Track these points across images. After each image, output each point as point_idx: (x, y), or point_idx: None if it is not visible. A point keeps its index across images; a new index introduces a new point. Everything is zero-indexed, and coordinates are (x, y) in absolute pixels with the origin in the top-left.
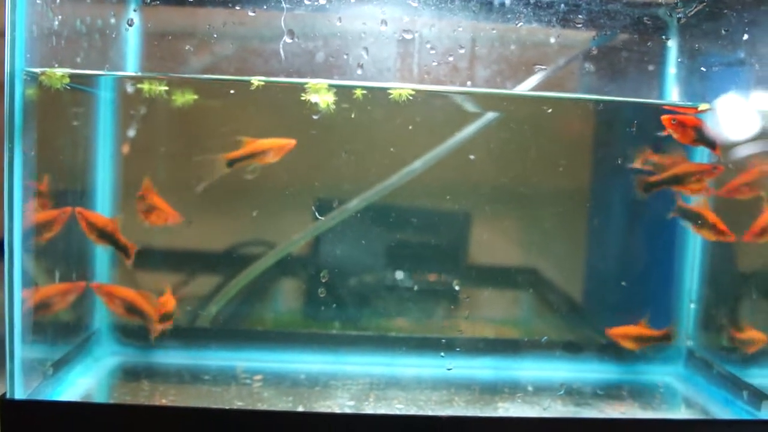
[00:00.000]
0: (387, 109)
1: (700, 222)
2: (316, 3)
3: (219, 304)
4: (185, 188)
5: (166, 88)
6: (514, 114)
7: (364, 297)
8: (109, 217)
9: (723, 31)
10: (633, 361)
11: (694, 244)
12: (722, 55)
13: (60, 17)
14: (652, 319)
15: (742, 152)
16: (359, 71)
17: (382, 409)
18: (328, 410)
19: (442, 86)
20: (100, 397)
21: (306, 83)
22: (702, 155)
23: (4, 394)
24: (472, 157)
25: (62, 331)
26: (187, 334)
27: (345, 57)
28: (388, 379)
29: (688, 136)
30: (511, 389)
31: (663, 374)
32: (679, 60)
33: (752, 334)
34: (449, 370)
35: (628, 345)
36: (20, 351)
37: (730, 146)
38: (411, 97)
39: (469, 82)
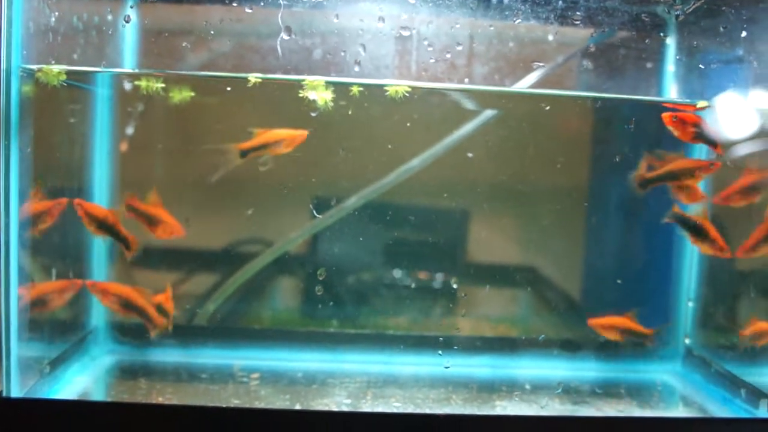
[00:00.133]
0: (385, 107)
1: (698, 234)
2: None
3: (216, 302)
4: (182, 185)
5: (163, 85)
6: (512, 111)
7: (361, 295)
8: (108, 209)
9: (721, 29)
10: (631, 360)
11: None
12: (720, 52)
13: (57, 14)
14: (651, 317)
15: (741, 150)
16: (356, 68)
17: (380, 408)
18: (326, 408)
19: (440, 83)
20: (97, 396)
21: (303, 80)
22: (700, 153)
23: (0, 392)
24: (470, 155)
25: (59, 329)
26: (184, 333)
27: (342, 54)
28: (385, 378)
29: (688, 134)
30: (509, 387)
31: (661, 372)
32: (678, 57)
33: (759, 326)
34: (447, 368)
35: (610, 335)
36: (16, 349)
37: (728, 144)
38: (407, 94)
39: (466, 79)
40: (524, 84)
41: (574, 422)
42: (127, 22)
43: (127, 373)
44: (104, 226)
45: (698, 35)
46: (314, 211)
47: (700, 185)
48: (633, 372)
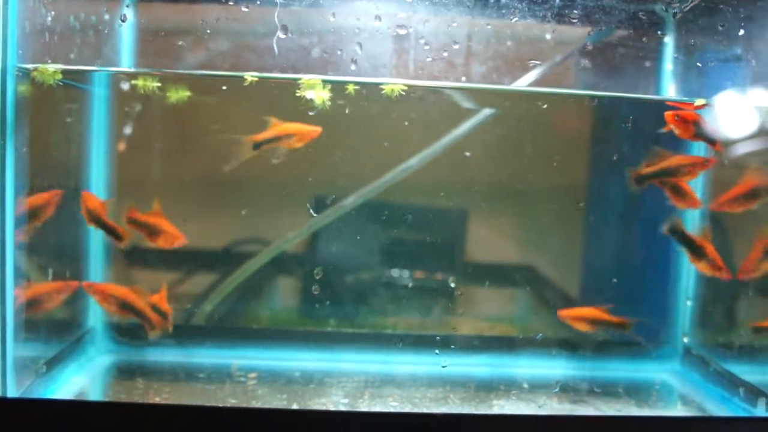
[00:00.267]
0: (382, 106)
1: (696, 252)
2: None
3: (214, 302)
4: (180, 185)
5: (159, 84)
6: (510, 110)
7: (359, 294)
8: (100, 199)
9: (719, 27)
10: (629, 359)
11: None
12: (719, 50)
13: (53, 13)
14: (649, 316)
15: (739, 148)
16: (353, 67)
17: (377, 407)
18: (323, 408)
19: (437, 82)
20: (93, 396)
21: (299, 79)
22: (698, 152)
23: None
24: (467, 153)
25: (56, 329)
26: (182, 332)
27: (339, 53)
28: (383, 377)
29: (689, 132)
30: (507, 387)
31: (659, 371)
32: (676, 56)
33: None
34: (444, 367)
35: (581, 327)
36: (12, 349)
37: (727, 142)
38: (403, 93)
39: (463, 78)
40: (522, 83)
41: (572, 421)
42: (124, 21)
43: (124, 372)
44: (94, 218)
45: (696, 33)
46: (311, 211)
47: (697, 190)
48: (631, 371)
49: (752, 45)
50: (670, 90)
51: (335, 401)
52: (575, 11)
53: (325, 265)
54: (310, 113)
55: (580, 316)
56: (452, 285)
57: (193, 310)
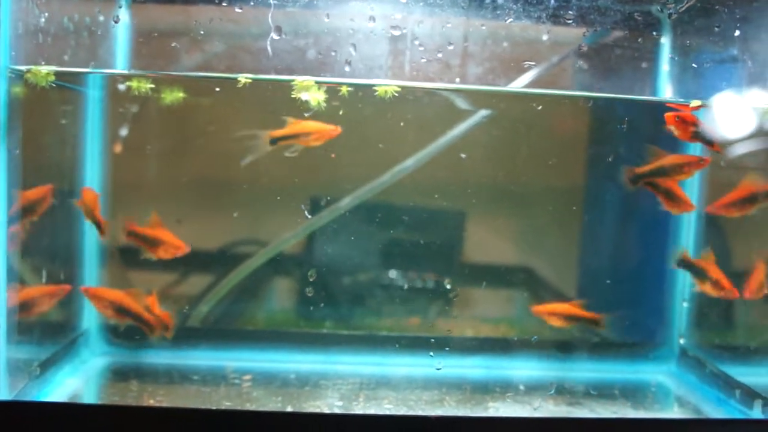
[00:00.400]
0: (378, 107)
1: (703, 277)
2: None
3: (210, 304)
4: (174, 186)
5: (152, 86)
6: (505, 112)
7: (355, 296)
8: (95, 192)
9: (715, 28)
10: (625, 360)
11: (687, 243)
12: (714, 51)
13: (46, 14)
14: (645, 317)
15: (736, 149)
16: (347, 68)
17: (372, 410)
18: (317, 410)
19: (432, 83)
20: (88, 398)
21: (293, 80)
22: (695, 151)
23: None
24: (463, 155)
25: (49, 331)
26: (177, 334)
27: (333, 54)
28: (378, 379)
29: (687, 133)
30: (503, 389)
31: (655, 373)
32: (672, 57)
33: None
34: (438, 369)
35: (555, 323)
36: (5, 351)
37: (724, 143)
38: (396, 94)
39: (457, 79)
40: (518, 84)
41: (567, 424)
42: (116, 22)
43: (118, 375)
44: (88, 211)
45: (692, 34)
46: (306, 213)
47: (693, 192)
48: (627, 373)
49: (748, 46)
50: (666, 91)
51: (330, 404)
52: (570, 12)
53: (321, 267)
54: (306, 114)
55: (553, 311)
56: (448, 286)
57: (188, 312)
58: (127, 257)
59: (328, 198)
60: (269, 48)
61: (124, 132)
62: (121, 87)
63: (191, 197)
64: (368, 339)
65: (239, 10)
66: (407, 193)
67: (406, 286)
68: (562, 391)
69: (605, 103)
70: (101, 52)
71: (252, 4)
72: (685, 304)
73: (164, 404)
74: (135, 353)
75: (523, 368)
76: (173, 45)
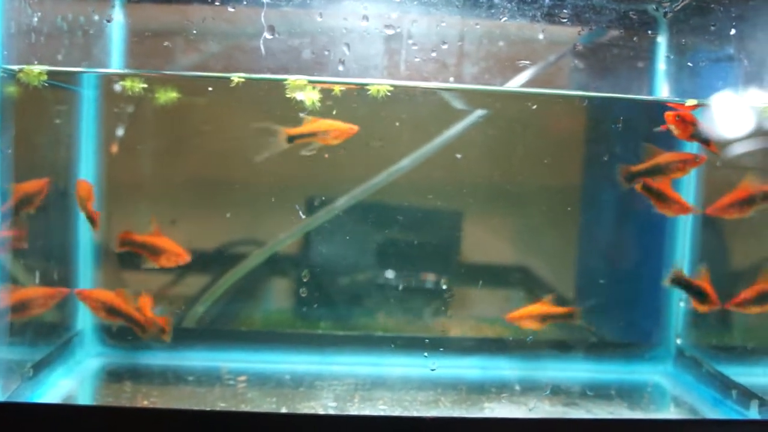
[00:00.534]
0: (372, 107)
1: (697, 294)
2: None
3: (204, 305)
4: (169, 186)
5: (145, 85)
6: (501, 111)
7: (350, 296)
8: (89, 185)
9: (711, 27)
10: (621, 360)
11: (683, 243)
12: (710, 50)
13: (39, 14)
14: (642, 317)
15: (733, 149)
16: (341, 68)
17: (367, 410)
18: (312, 411)
19: (427, 83)
20: (82, 399)
21: (285, 80)
22: (691, 150)
23: None
24: (458, 155)
25: (43, 332)
26: (172, 335)
27: (326, 53)
28: (373, 380)
29: (687, 132)
30: (498, 389)
31: (652, 373)
32: (668, 56)
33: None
34: (433, 370)
35: (531, 325)
36: None
37: (721, 142)
38: (389, 94)
39: (452, 78)
40: (514, 83)
41: (563, 424)
42: (109, 21)
43: (113, 376)
44: (82, 203)
45: (688, 33)
46: (302, 213)
47: (690, 192)
48: (623, 373)
49: (744, 45)
50: (662, 90)
51: (325, 404)
52: (565, 11)
53: (316, 267)
54: (301, 114)
55: (525, 314)
56: (444, 286)
57: (183, 313)
58: (122, 257)
59: (323, 198)
60: (262, 47)
61: (118, 132)
62: (117, 87)
63: (186, 197)
64: (363, 339)
65: (232, 10)
66: (403, 193)
67: (401, 287)
68: (558, 391)
69: (601, 102)
70: (95, 51)
71: (245, 3)
72: (682, 304)
73: (159, 405)
74: (130, 354)
75: (520, 369)
76: (165, 44)
